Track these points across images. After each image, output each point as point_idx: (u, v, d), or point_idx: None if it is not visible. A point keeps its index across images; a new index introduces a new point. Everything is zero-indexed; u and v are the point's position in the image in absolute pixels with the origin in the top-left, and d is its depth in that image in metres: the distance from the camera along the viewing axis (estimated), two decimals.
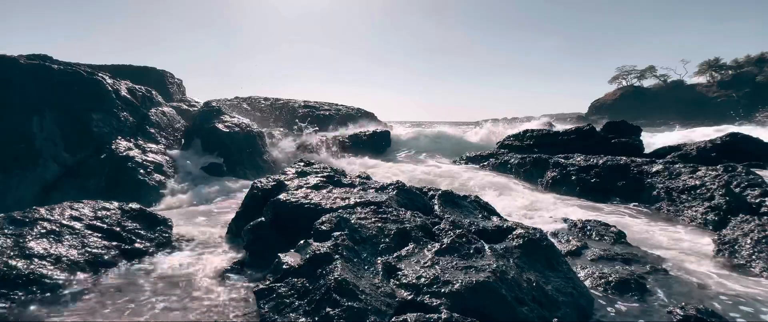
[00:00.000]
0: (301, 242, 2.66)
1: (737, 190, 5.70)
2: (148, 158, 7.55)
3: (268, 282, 2.37)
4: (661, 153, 12.67)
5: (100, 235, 3.14)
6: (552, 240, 3.02)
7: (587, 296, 2.68)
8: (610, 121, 16.72)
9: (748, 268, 3.72)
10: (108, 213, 3.46)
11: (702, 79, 52.86)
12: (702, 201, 5.74)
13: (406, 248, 2.66)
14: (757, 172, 8.17)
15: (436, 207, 3.64)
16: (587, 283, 3.12)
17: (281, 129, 13.54)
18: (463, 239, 2.71)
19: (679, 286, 3.22)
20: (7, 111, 6.66)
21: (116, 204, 3.65)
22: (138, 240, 3.30)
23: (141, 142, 7.93)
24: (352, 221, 2.85)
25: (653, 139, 15.43)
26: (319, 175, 4.12)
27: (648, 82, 58.23)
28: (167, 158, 8.03)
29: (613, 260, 3.75)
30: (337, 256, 2.35)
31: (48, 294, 2.39)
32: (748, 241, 4.06)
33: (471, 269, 2.31)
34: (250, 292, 2.51)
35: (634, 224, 5.22)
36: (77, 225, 3.13)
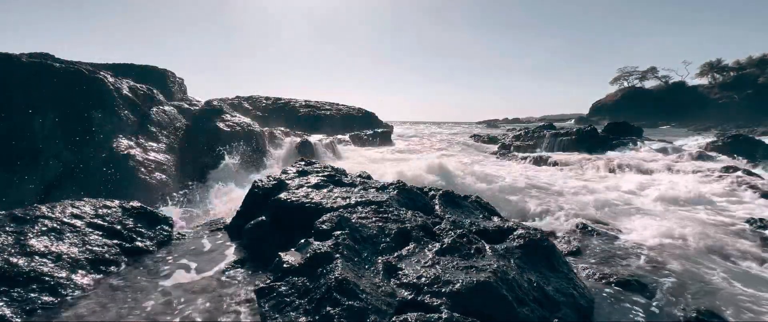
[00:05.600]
0: (302, 241, 2.66)
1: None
2: (149, 157, 7.56)
3: (268, 281, 2.37)
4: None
5: (100, 233, 3.14)
6: (553, 240, 3.02)
7: (587, 297, 2.68)
8: (612, 122, 16.74)
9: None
10: (109, 211, 3.46)
11: (703, 81, 52.79)
12: None
13: (406, 248, 2.66)
14: (757, 172, 8.17)
15: (437, 207, 3.63)
16: (588, 283, 3.12)
17: (282, 128, 13.54)
18: (464, 239, 2.71)
19: (681, 285, 3.21)
20: (9, 109, 6.67)
21: (117, 202, 3.65)
22: (138, 238, 3.30)
23: (142, 141, 7.94)
24: (353, 221, 2.85)
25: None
26: (320, 174, 4.11)
27: (649, 84, 58.19)
28: (168, 157, 8.03)
29: (613, 260, 3.75)
30: (337, 255, 2.34)
31: (48, 292, 2.39)
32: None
33: (472, 269, 2.31)
34: (251, 291, 2.51)
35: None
36: (78, 223, 3.13)
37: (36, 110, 6.82)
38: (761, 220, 5.12)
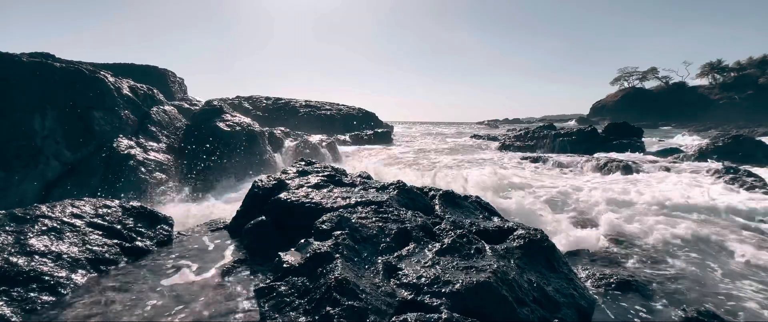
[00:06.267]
0: (302, 241, 2.66)
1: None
2: (150, 157, 7.56)
3: (268, 281, 2.37)
4: (662, 154, 12.68)
5: (101, 233, 3.14)
6: (553, 241, 3.01)
7: (588, 297, 2.67)
8: (612, 122, 16.74)
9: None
10: (109, 211, 3.46)
11: (704, 81, 52.82)
12: None
13: (406, 248, 2.66)
14: (757, 172, 8.16)
15: (437, 207, 3.63)
16: (588, 283, 3.11)
17: (282, 128, 13.55)
18: (464, 239, 2.71)
19: (681, 285, 3.21)
20: (9, 109, 6.68)
21: (117, 202, 3.65)
22: (139, 238, 3.30)
23: (142, 140, 7.94)
24: (353, 221, 2.85)
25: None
26: (320, 174, 4.11)
27: (650, 84, 58.23)
28: (168, 157, 8.04)
29: (613, 261, 3.74)
30: (337, 255, 2.34)
31: (48, 291, 2.39)
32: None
33: (472, 270, 2.31)
34: (251, 290, 2.51)
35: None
36: (78, 223, 3.13)
37: (36, 110, 6.83)
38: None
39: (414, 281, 2.22)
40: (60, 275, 2.54)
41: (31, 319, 2.18)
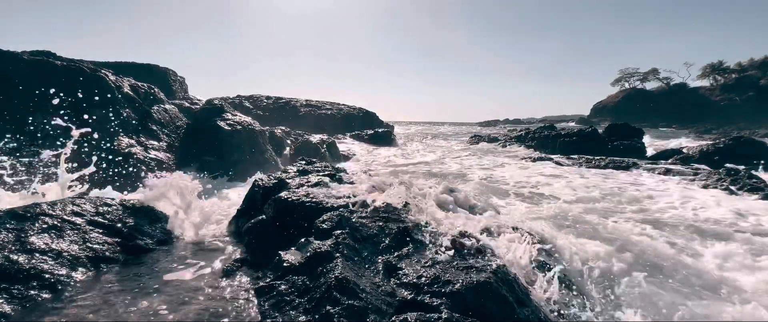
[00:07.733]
0: (302, 240, 2.66)
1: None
2: (150, 155, 7.57)
3: (268, 280, 2.37)
4: (663, 155, 12.67)
5: (101, 231, 3.14)
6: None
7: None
8: (613, 123, 16.73)
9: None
10: (109, 209, 3.46)
11: (705, 83, 52.69)
12: None
13: (406, 248, 2.66)
14: (758, 174, 8.15)
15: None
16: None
17: (283, 128, 13.55)
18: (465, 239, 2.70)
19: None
20: (10, 107, 6.69)
21: (117, 200, 3.65)
22: (139, 236, 3.30)
23: (143, 139, 7.95)
24: (353, 220, 2.85)
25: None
26: (321, 173, 4.11)
27: (650, 85, 58.10)
28: (169, 155, 8.05)
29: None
30: (337, 254, 2.34)
31: (48, 289, 2.39)
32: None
33: (472, 269, 2.31)
34: (251, 290, 2.51)
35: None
36: (78, 221, 3.13)
37: (37, 108, 6.83)
38: None
39: (414, 280, 2.22)
40: (60, 272, 2.54)
41: (32, 316, 2.18)
